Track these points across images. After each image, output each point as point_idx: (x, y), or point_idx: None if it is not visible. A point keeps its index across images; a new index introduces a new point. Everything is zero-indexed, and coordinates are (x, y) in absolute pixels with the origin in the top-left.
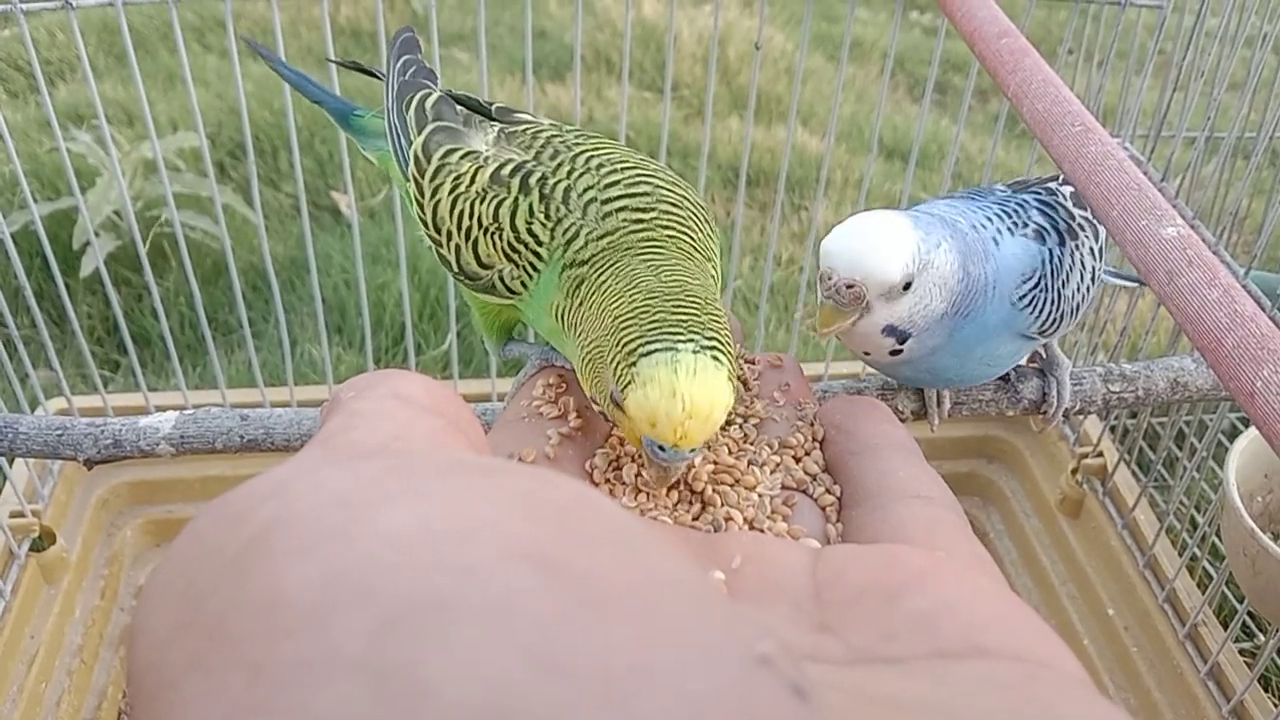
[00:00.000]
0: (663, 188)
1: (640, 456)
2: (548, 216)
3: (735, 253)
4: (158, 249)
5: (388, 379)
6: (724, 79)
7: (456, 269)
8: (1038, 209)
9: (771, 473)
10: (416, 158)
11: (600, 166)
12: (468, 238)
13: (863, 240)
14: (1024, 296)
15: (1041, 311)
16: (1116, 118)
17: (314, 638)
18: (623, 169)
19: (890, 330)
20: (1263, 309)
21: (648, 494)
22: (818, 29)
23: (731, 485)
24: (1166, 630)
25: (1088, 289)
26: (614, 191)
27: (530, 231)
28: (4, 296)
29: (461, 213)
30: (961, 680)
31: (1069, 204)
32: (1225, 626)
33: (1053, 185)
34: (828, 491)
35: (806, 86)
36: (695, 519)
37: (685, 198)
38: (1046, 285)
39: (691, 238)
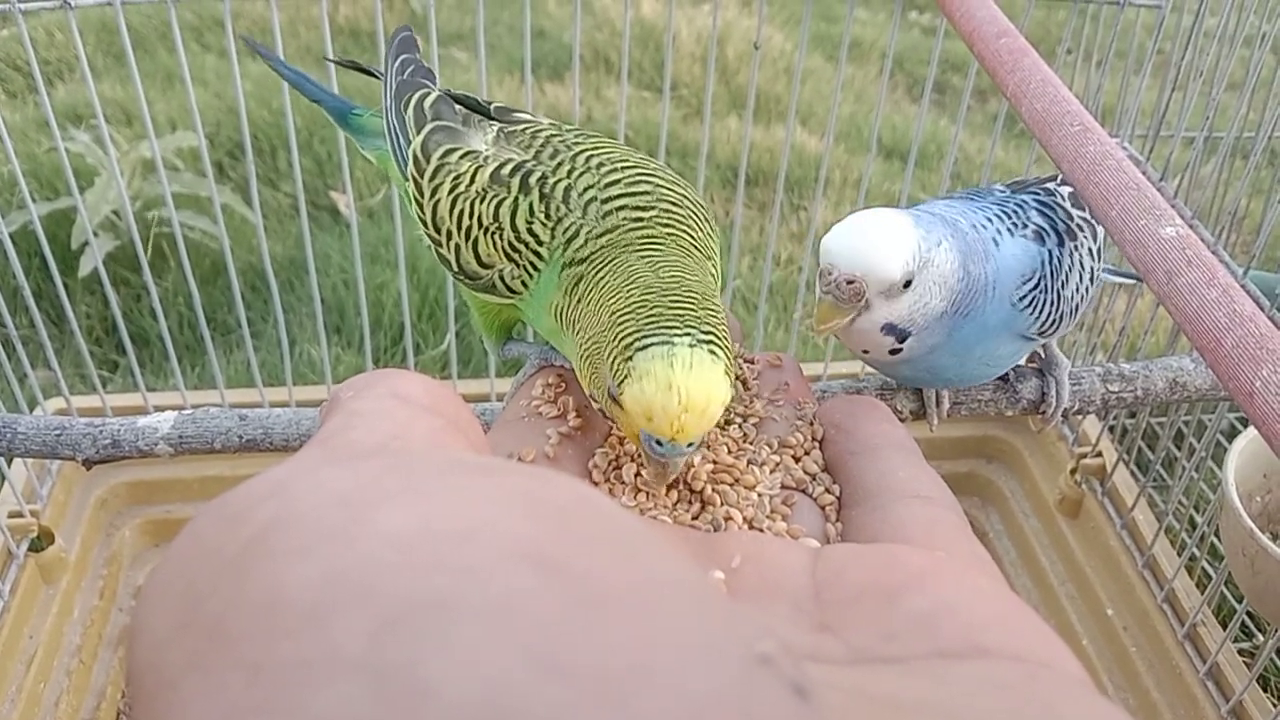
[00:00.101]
0: (662, 186)
1: (640, 456)
2: (548, 216)
3: (734, 253)
4: (156, 249)
5: (387, 378)
6: (723, 79)
7: (456, 268)
8: (1037, 209)
9: (771, 472)
10: (415, 157)
11: (600, 166)
12: (468, 237)
13: (864, 237)
14: (1024, 298)
15: (1041, 313)
16: (1115, 117)
17: (314, 638)
18: (623, 168)
19: (890, 329)
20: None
21: (647, 493)
22: (817, 29)
23: (731, 485)
24: (1165, 630)
25: (1087, 290)
26: (614, 190)
27: (531, 231)
28: (3, 296)
29: (461, 212)
30: (961, 680)
31: (1067, 204)
32: (1224, 626)
33: (1051, 185)
34: (827, 491)
35: (805, 86)
36: (695, 518)
37: (685, 196)
38: (1046, 286)
39: (691, 236)
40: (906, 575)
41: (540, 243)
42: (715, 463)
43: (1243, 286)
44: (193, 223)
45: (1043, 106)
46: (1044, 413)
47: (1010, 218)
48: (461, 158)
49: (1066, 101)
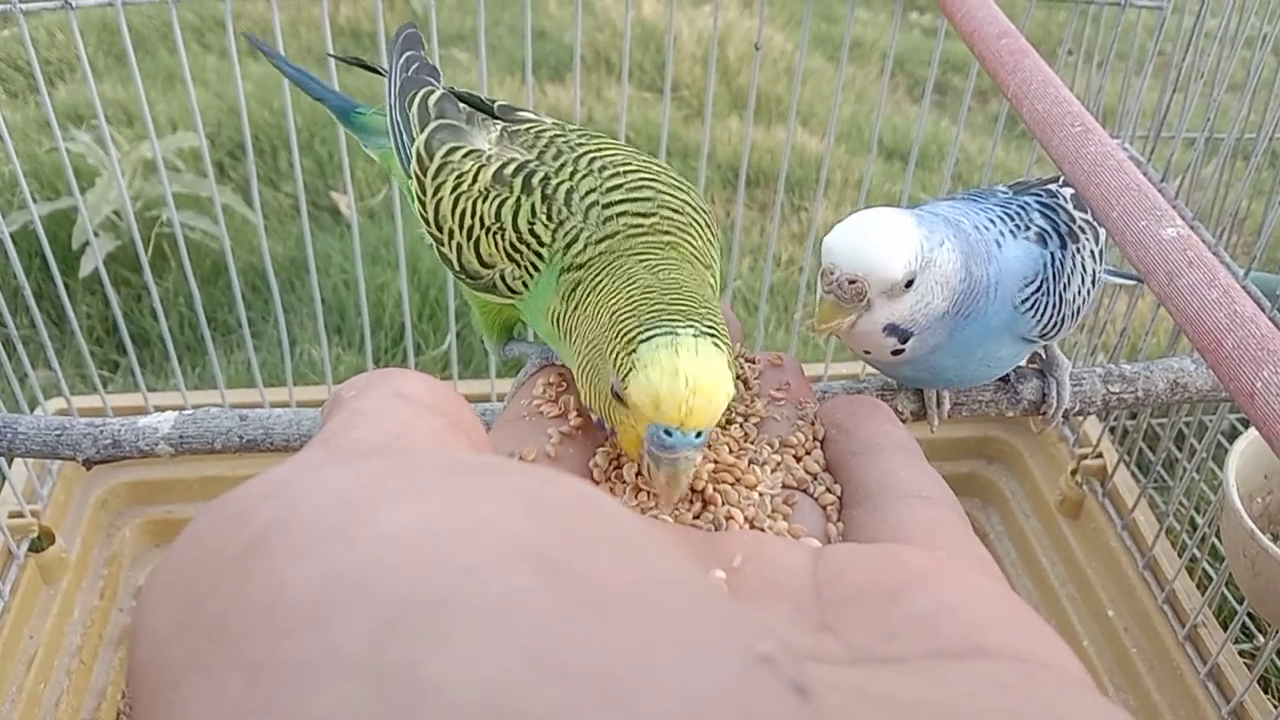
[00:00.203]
0: (664, 192)
1: (646, 467)
2: (550, 217)
3: (735, 253)
4: (157, 249)
5: (389, 378)
6: (724, 79)
7: (458, 267)
8: (1040, 211)
9: (772, 472)
10: (419, 155)
11: (603, 169)
12: (469, 236)
13: (865, 237)
14: (1026, 300)
15: (1043, 315)
16: (1116, 118)
17: (314, 638)
18: (625, 172)
19: (892, 329)
20: (1262, 310)
21: (648, 493)
22: (817, 29)
23: (732, 484)
24: (1166, 631)
25: (1088, 292)
26: (616, 195)
27: (532, 232)
28: (3, 296)
29: (463, 211)
30: (962, 680)
31: (1070, 206)
32: (1225, 628)
33: (1053, 187)
34: (828, 491)
35: (806, 87)
36: (696, 518)
37: (687, 203)
38: (1048, 289)
39: (691, 244)
40: (907, 575)
41: (542, 244)
42: (716, 462)
43: (1244, 287)
44: (193, 223)
45: (1044, 107)
46: (1045, 414)
47: (1013, 220)
48: (465, 156)
49: (1067, 102)
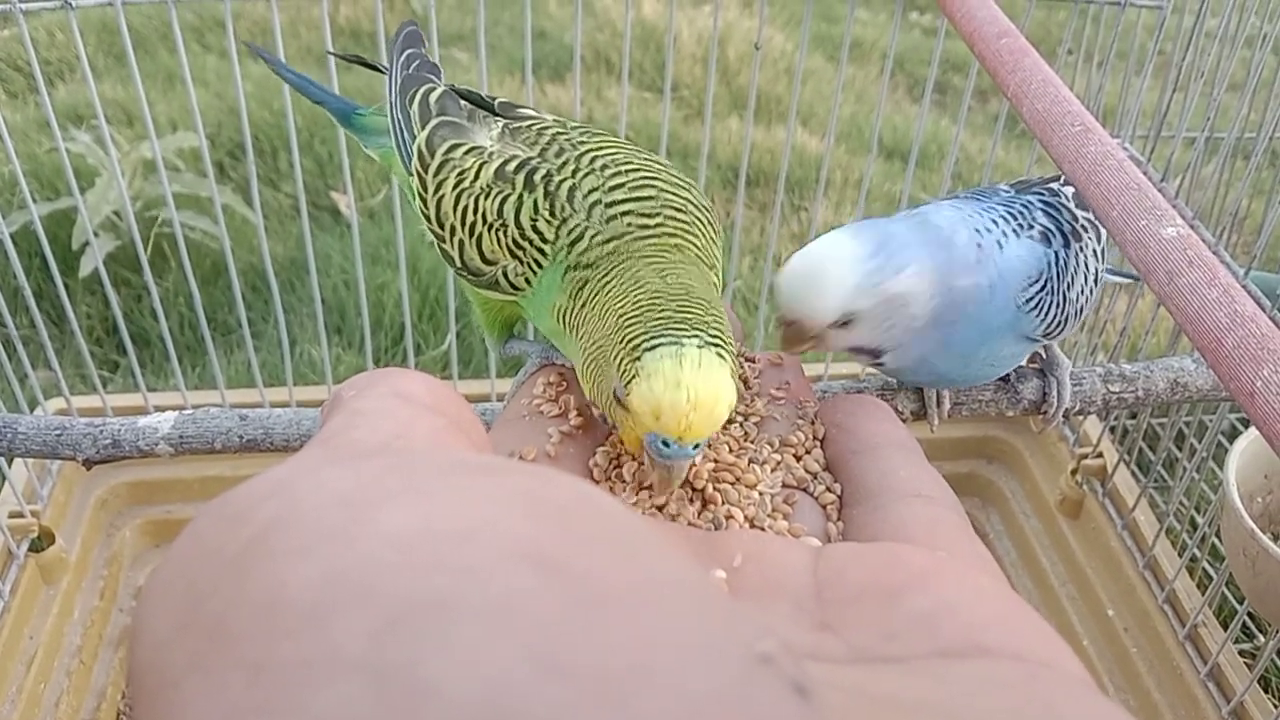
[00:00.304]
0: (667, 191)
1: (642, 457)
2: (553, 214)
3: (735, 253)
4: (157, 249)
5: (389, 377)
6: (724, 79)
7: (459, 264)
8: (1043, 210)
9: (772, 471)
10: (420, 152)
11: (605, 168)
12: (471, 233)
13: (798, 280)
14: (1029, 299)
15: (1046, 315)
16: (1116, 118)
17: (314, 638)
18: (627, 170)
19: (858, 350)
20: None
21: (648, 492)
22: (817, 29)
23: (732, 483)
24: (1166, 631)
25: (1091, 290)
26: (618, 195)
27: (535, 228)
28: (3, 296)
29: (465, 208)
30: (962, 680)
31: (1072, 205)
32: (1225, 627)
33: (1055, 185)
34: (828, 490)
35: (806, 87)
36: (696, 517)
37: (689, 201)
38: (1052, 288)
39: (695, 245)
40: (908, 574)
41: (545, 240)
42: (716, 461)
43: (1244, 287)
44: (193, 223)
45: (1044, 107)
46: (1045, 413)
47: (1016, 219)
48: (466, 153)
49: (1067, 102)
